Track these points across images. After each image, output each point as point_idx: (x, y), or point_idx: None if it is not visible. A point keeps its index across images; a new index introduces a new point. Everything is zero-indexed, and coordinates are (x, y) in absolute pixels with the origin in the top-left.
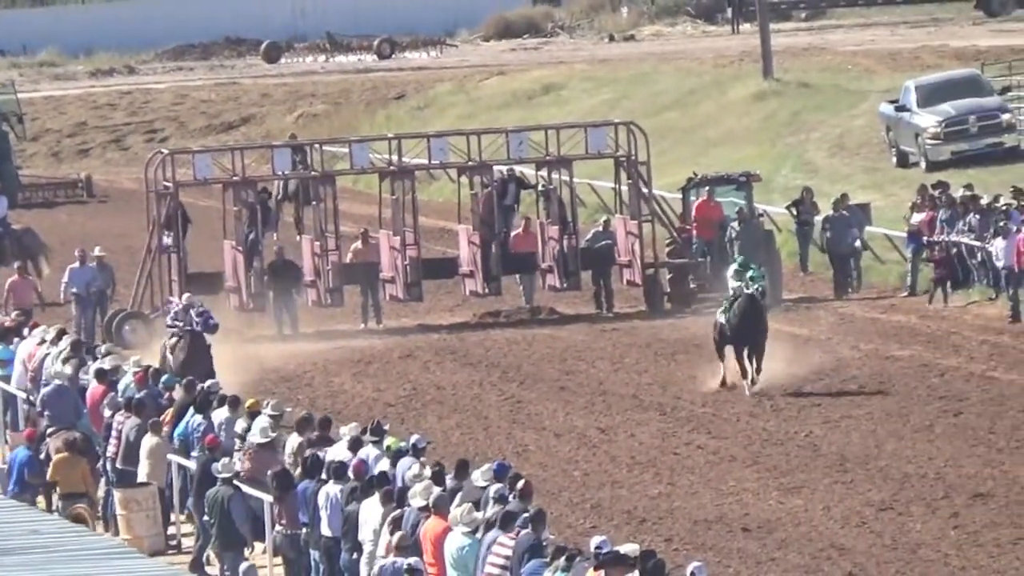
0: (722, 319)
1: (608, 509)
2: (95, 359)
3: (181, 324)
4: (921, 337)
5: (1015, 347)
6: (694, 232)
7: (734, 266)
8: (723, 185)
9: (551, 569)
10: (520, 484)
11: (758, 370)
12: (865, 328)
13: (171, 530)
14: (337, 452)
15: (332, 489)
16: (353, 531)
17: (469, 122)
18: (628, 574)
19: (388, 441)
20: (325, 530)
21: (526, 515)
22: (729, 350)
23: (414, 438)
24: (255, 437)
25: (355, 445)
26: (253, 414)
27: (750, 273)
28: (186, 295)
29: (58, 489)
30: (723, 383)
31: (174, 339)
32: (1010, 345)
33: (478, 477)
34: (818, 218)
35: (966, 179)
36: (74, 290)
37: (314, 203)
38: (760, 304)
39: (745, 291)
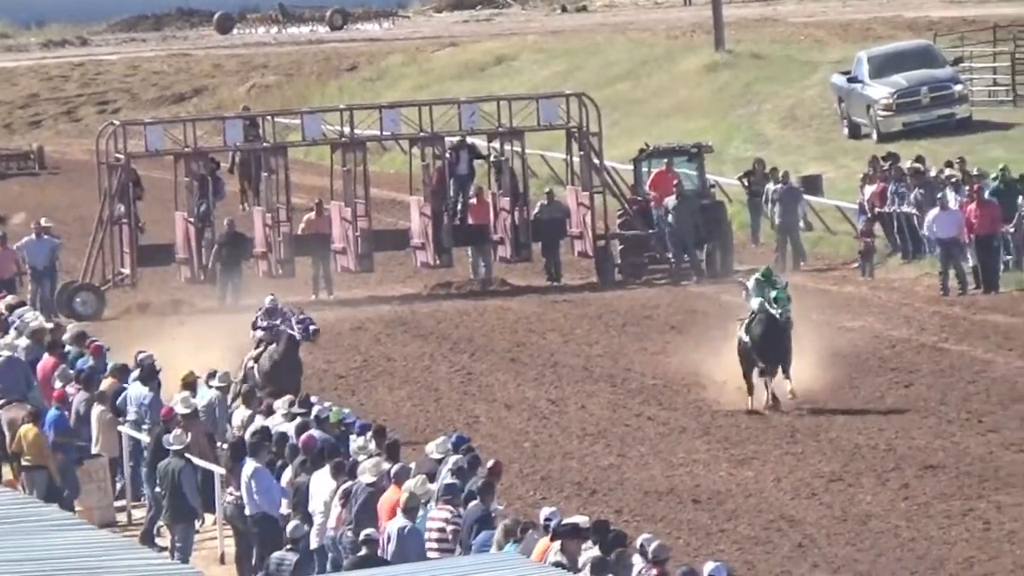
0: (744, 337)
1: (558, 480)
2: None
3: (267, 329)
4: (872, 308)
5: (966, 318)
6: (653, 203)
7: (756, 276)
8: (675, 156)
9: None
10: (491, 463)
11: (785, 371)
12: (816, 299)
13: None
14: (274, 425)
15: (250, 465)
16: (303, 503)
17: (421, 93)
18: (582, 545)
19: (316, 411)
20: (250, 507)
21: (476, 487)
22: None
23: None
24: (179, 408)
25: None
26: (188, 385)
27: (774, 294)
28: (269, 297)
29: (23, 460)
30: (752, 408)
31: (259, 348)
32: (961, 316)
33: (432, 449)
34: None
35: (918, 150)
36: (30, 263)
37: (265, 174)
38: (784, 326)
39: (769, 310)
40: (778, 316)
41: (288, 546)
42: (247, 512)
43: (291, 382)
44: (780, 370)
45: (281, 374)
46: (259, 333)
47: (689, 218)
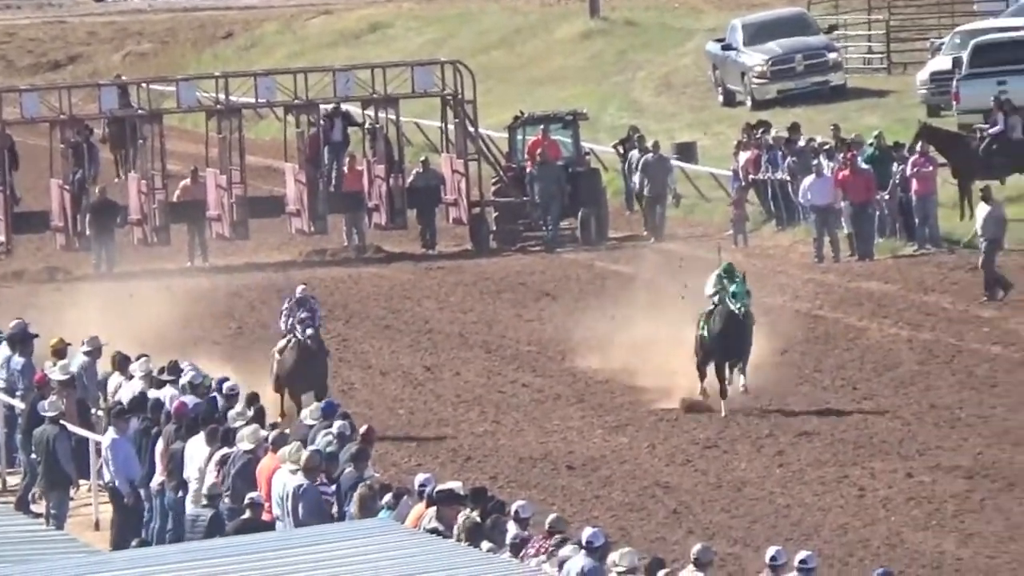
0: (703, 332)
1: (433, 447)
2: None
3: (291, 321)
4: (747, 275)
5: (840, 285)
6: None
7: (717, 272)
8: (550, 124)
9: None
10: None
11: (743, 369)
12: (691, 267)
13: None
14: (133, 388)
15: (109, 435)
16: (178, 469)
17: (296, 61)
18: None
19: (184, 379)
20: (105, 474)
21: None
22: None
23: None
24: (55, 375)
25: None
26: (57, 352)
27: (733, 288)
28: (301, 287)
29: None
30: (702, 393)
31: (284, 340)
32: (835, 284)
33: (306, 415)
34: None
35: (792, 118)
36: None
37: (140, 142)
38: (743, 321)
39: (730, 305)
40: (738, 311)
41: (204, 503)
42: (106, 480)
43: (311, 378)
44: (736, 367)
45: (298, 372)
46: (288, 323)
47: (552, 186)
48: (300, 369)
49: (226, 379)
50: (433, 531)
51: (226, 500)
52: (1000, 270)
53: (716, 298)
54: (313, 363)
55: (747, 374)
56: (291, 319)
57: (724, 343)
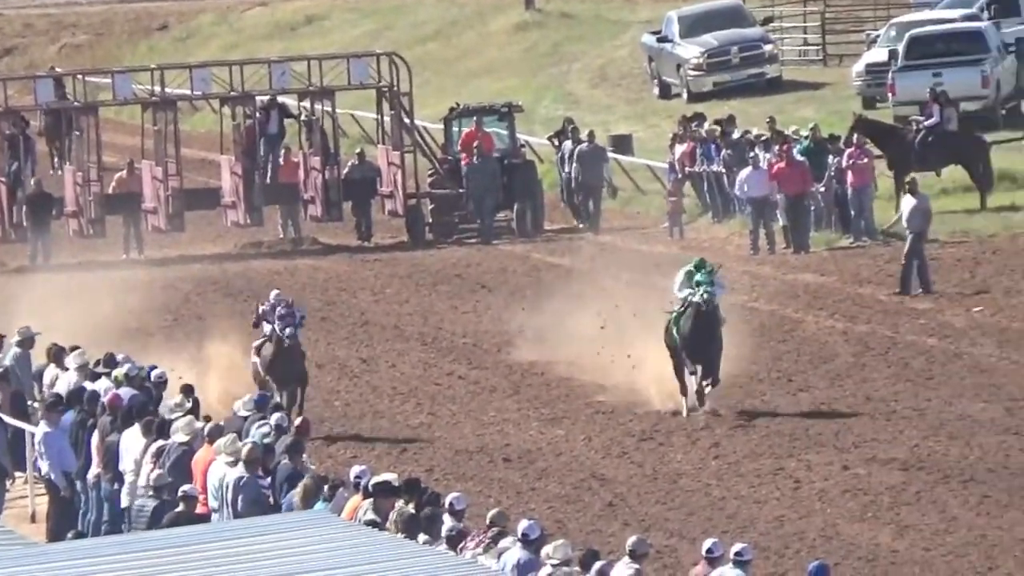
0: (673, 332)
1: (369, 439)
2: None
3: (270, 323)
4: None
5: (775, 278)
6: (464, 162)
7: (686, 268)
8: (485, 116)
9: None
10: (299, 421)
11: (714, 382)
12: (627, 258)
13: None
14: (69, 380)
15: (42, 428)
16: (114, 461)
17: (232, 53)
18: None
19: (117, 372)
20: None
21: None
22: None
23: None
24: None
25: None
26: None
27: (698, 276)
28: (274, 292)
29: None
30: (688, 409)
31: (260, 339)
32: (771, 276)
33: (239, 407)
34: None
35: (728, 110)
36: None
37: (76, 134)
38: (710, 314)
39: (692, 300)
40: (700, 301)
41: (150, 493)
42: (42, 473)
43: (291, 374)
44: (706, 380)
45: (277, 368)
46: (265, 327)
47: (487, 179)
48: (279, 366)
49: (154, 367)
50: (370, 523)
51: (145, 493)
52: (927, 264)
53: (684, 298)
54: (291, 359)
55: (717, 383)
56: (264, 320)
57: (692, 346)
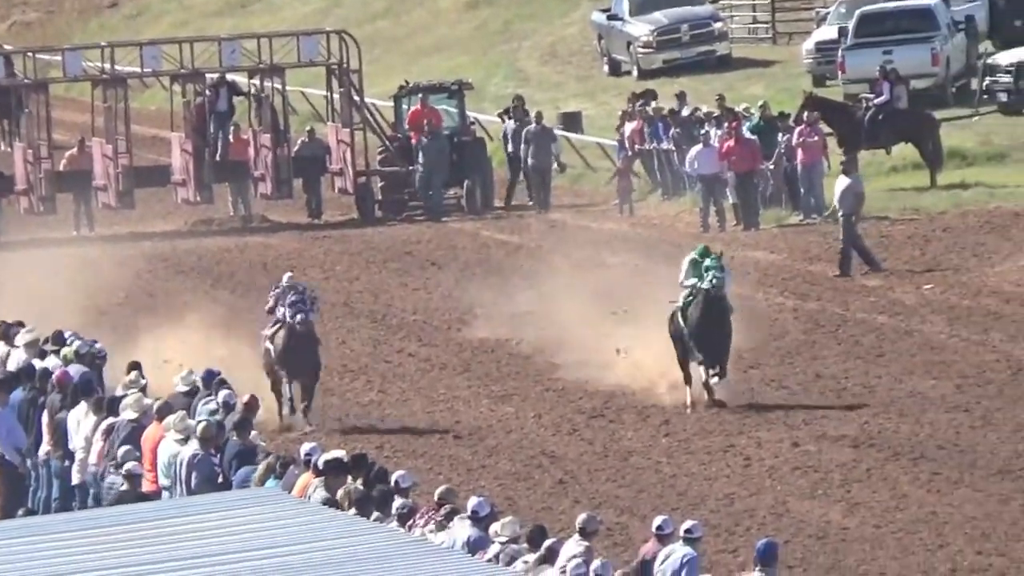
0: (680, 321)
1: (319, 416)
2: None
3: (282, 309)
4: (633, 244)
5: (725, 255)
6: (414, 139)
7: (692, 255)
8: (435, 93)
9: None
10: (246, 398)
11: (722, 374)
12: (576, 236)
13: None
14: (18, 358)
15: None
16: (64, 439)
17: (182, 30)
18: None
19: (66, 350)
20: None
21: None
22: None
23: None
24: None
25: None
26: None
27: (707, 263)
28: (287, 274)
29: None
30: (689, 405)
31: (275, 326)
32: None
33: (178, 382)
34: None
35: (678, 87)
36: None
37: (26, 111)
38: (719, 301)
39: (701, 286)
40: (710, 288)
41: (122, 471)
42: None
43: (303, 363)
44: (714, 369)
45: (289, 357)
46: (278, 311)
47: (437, 157)
48: (291, 354)
49: (95, 341)
50: (326, 502)
51: (111, 470)
52: (865, 245)
53: (692, 286)
54: (303, 347)
55: (724, 375)
56: (279, 305)
57: (700, 336)
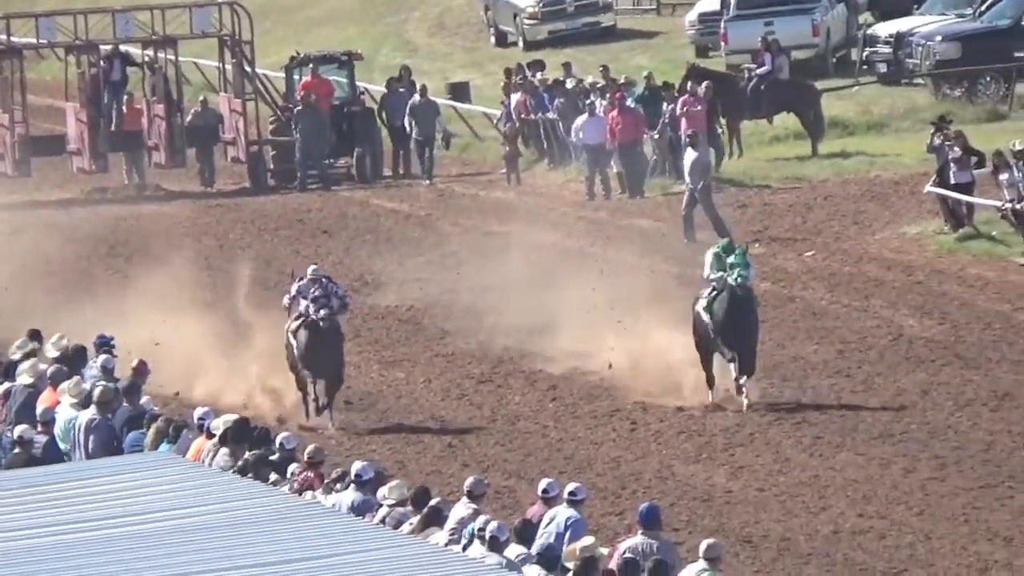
0: (704, 316)
1: (212, 383)
2: None
3: (305, 303)
4: (519, 213)
5: (611, 223)
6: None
7: (714, 249)
8: (325, 64)
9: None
10: (135, 363)
11: (750, 372)
12: (464, 204)
13: None
14: None
15: None
16: None
17: (76, 2)
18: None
19: None
20: None
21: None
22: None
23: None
24: None
25: None
26: None
27: (731, 259)
28: (312, 267)
29: None
30: (712, 405)
31: (299, 319)
32: (606, 221)
33: (50, 348)
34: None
35: (563, 58)
36: None
37: None
38: (745, 297)
39: (729, 280)
40: (735, 284)
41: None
42: None
43: (327, 360)
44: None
45: (312, 354)
46: (301, 304)
47: (313, 128)
48: (313, 352)
49: None
50: (229, 466)
51: (8, 434)
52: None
53: (717, 281)
54: (326, 344)
55: (752, 373)
56: (301, 297)
57: (727, 332)
